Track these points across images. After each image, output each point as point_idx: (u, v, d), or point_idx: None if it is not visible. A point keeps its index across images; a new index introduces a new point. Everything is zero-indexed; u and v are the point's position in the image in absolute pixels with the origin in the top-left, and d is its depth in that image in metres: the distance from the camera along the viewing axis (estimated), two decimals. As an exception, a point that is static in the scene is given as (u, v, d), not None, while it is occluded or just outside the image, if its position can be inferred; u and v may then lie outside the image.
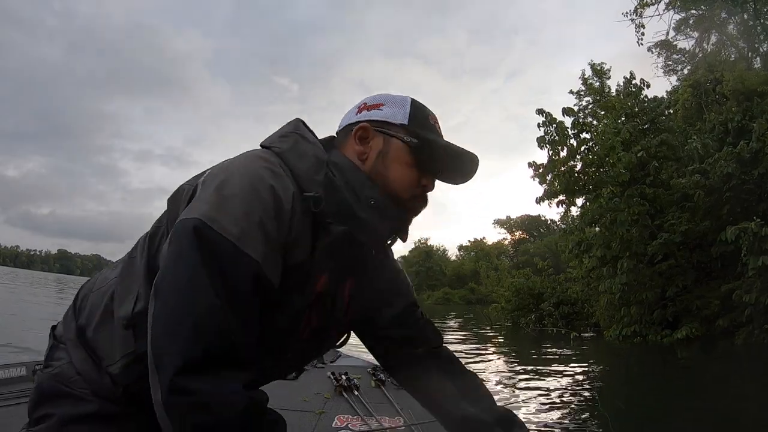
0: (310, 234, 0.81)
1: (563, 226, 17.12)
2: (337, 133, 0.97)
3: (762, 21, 15.33)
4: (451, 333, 16.73)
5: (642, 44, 18.01)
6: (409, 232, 0.95)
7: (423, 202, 0.94)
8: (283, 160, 0.83)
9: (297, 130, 0.90)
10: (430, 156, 0.90)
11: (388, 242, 0.96)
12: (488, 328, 18.00)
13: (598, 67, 16.92)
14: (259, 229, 0.73)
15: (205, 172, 0.84)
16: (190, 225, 0.71)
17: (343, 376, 3.23)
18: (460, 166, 0.94)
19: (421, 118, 0.92)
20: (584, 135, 11.99)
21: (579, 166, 12.03)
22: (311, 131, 0.92)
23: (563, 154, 11.82)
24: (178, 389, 0.65)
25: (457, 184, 0.97)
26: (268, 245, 0.74)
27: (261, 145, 0.89)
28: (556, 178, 11.85)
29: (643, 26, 17.63)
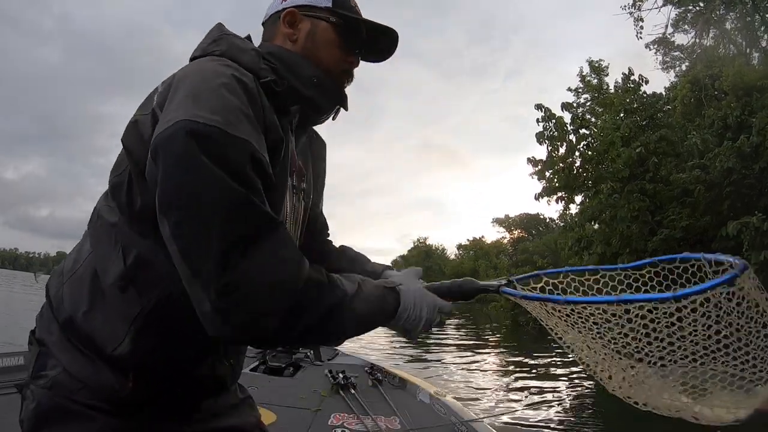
0: (275, 115, 0.83)
1: (561, 224, 17.05)
2: (263, 24, 1.01)
3: (762, 15, 15.26)
4: (453, 333, 16.66)
5: (641, 38, 17.94)
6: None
7: (349, 78, 1.01)
8: (228, 58, 0.83)
9: (223, 32, 0.91)
10: (354, 34, 0.96)
11: (334, 113, 1.02)
12: (488, 326, 17.93)
13: (597, 64, 16.86)
14: (239, 113, 0.73)
15: (151, 98, 0.82)
16: (176, 128, 0.68)
17: (340, 375, 3.20)
18: (381, 41, 1.01)
19: (343, 0, 0.97)
20: (583, 131, 11.88)
21: (578, 162, 11.93)
22: (234, 32, 0.94)
23: (562, 150, 11.73)
24: (232, 281, 0.65)
25: (379, 60, 1.03)
26: (252, 126, 0.74)
27: (193, 57, 0.88)
28: (555, 174, 11.75)
29: (641, 20, 17.55)
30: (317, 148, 1.12)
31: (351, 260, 1.16)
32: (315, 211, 1.12)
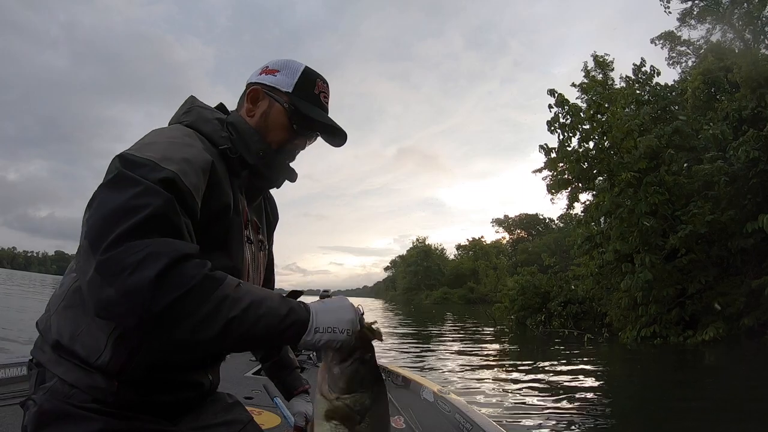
0: (228, 177, 1.00)
1: (561, 225, 16.64)
2: (246, 85, 1.14)
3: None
4: (455, 333, 16.19)
5: (669, 13, 17.84)
6: (297, 172, 1.17)
7: (299, 149, 1.14)
8: (194, 128, 1.01)
9: (194, 104, 1.09)
10: (303, 124, 1.08)
11: (280, 182, 1.16)
12: (492, 329, 17.40)
13: (601, 59, 16.43)
14: (179, 156, 0.87)
15: None
16: (115, 156, 0.85)
17: None
18: (329, 137, 1.14)
19: (306, 88, 1.09)
20: (599, 117, 11.10)
21: (593, 152, 11.24)
22: (204, 103, 1.12)
23: (575, 140, 11.05)
24: (110, 257, 0.72)
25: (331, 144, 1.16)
26: (190, 167, 0.87)
27: (170, 123, 1.07)
28: (568, 163, 11.07)
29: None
30: (272, 208, 1.30)
31: None
32: (269, 269, 1.30)
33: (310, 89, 1.08)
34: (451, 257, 72.77)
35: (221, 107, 1.15)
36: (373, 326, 0.91)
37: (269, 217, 1.27)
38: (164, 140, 0.89)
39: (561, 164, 11.38)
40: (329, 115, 1.12)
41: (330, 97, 1.14)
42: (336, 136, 1.12)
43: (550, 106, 11.01)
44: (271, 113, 1.07)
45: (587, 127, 10.99)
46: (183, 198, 0.82)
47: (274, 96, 1.07)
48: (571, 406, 5.55)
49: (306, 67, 1.10)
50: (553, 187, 11.78)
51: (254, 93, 1.08)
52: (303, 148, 1.13)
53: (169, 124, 1.06)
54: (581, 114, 10.98)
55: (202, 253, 0.80)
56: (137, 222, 0.73)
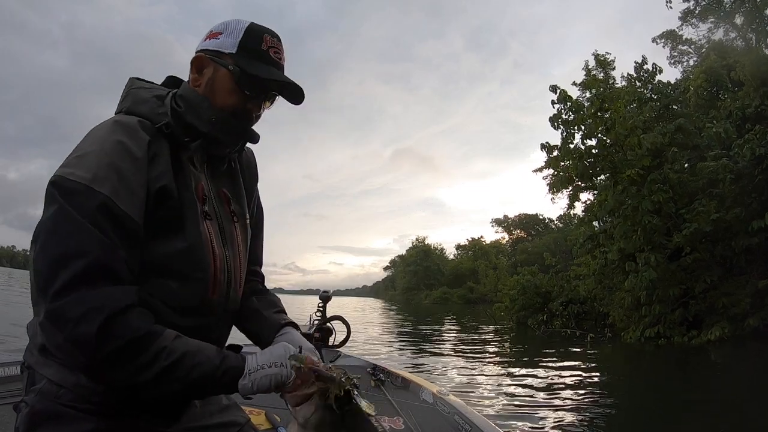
0: (169, 155, 0.96)
1: (561, 225, 16.56)
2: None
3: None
4: (455, 333, 16.11)
5: (671, 8, 17.57)
6: (259, 134, 1.09)
7: (256, 116, 1.06)
8: (132, 113, 0.98)
9: (132, 87, 1.04)
10: (252, 85, 1.00)
11: (239, 146, 1.10)
12: (492, 329, 17.32)
13: (602, 58, 16.31)
14: (110, 170, 0.86)
15: None
16: (50, 181, 0.85)
17: None
18: (285, 93, 1.05)
19: (252, 46, 1.01)
20: (602, 114, 10.93)
21: (596, 149, 11.09)
22: (148, 81, 1.08)
23: (578, 137, 10.90)
24: (57, 307, 0.79)
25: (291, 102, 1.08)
26: (123, 183, 0.86)
27: (115, 112, 1.04)
28: (571, 160, 10.91)
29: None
30: (248, 166, 1.21)
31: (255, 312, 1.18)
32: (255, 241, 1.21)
33: (257, 46, 1.01)
34: (451, 257, 72.73)
35: (170, 81, 1.10)
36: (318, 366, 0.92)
37: (245, 179, 1.18)
38: (96, 147, 0.88)
39: (563, 162, 11.25)
40: (285, 73, 1.04)
41: (284, 53, 1.06)
42: (293, 93, 1.05)
43: (552, 102, 10.88)
44: (216, 79, 1.00)
45: (590, 122, 10.83)
46: (120, 223, 0.84)
47: (218, 60, 1.00)
48: (573, 406, 5.48)
49: (251, 23, 1.03)
50: (555, 186, 11.64)
51: (198, 61, 1.02)
52: (259, 110, 1.05)
53: (115, 113, 1.03)
54: (584, 110, 10.84)
55: (152, 239, 0.89)
56: (77, 272, 0.79)
